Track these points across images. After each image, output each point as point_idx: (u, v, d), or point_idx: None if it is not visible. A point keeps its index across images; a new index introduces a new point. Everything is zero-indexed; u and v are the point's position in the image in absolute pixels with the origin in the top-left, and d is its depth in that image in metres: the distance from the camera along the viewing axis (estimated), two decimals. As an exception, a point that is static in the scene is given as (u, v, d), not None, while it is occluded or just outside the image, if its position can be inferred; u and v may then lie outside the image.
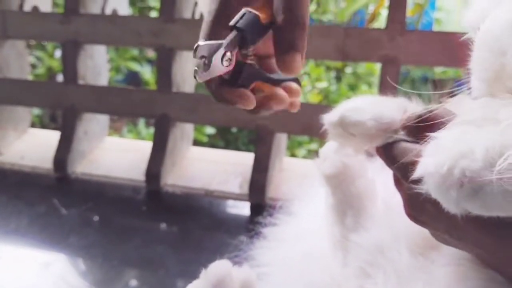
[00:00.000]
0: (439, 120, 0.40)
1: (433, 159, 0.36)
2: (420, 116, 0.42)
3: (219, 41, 0.49)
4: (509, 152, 0.33)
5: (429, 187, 0.36)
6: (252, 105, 0.51)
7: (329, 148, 0.60)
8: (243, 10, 0.50)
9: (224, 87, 0.51)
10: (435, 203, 0.37)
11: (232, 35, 0.49)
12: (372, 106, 0.48)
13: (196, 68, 0.49)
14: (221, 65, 0.49)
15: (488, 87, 0.42)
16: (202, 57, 0.48)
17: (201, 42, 0.49)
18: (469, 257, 0.42)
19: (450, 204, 0.35)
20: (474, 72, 0.43)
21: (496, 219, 0.34)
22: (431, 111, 0.41)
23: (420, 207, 0.41)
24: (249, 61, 0.52)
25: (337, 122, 0.49)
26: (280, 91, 0.54)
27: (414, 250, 0.50)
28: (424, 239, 0.46)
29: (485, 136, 0.35)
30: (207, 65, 0.48)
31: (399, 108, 0.47)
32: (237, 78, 0.51)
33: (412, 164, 0.39)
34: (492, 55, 0.41)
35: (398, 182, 0.44)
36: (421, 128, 0.41)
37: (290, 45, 0.48)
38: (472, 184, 0.34)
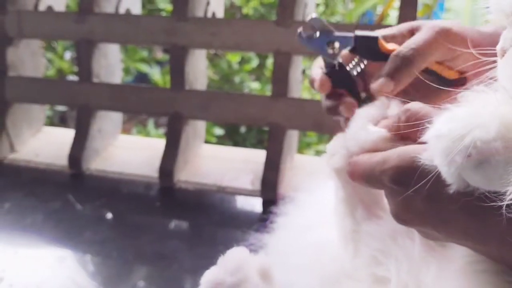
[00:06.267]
0: (426, 119, 0.40)
1: (446, 125, 0.36)
2: (409, 117, 0.44)
3: (333, 30, 0.52)
4: None
5: (435, 151, 0.37)
6: (324, 90, 0.55)
7: (337, 143, 0.60)
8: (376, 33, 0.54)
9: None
10: (424, 198, 0.38)
11: (347, 34, 0.53)
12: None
13: (301, 31, 0.51)
14: (324, 46, 0.51)
15: None
16: (311, 27, 0.51)
17: (314, 15, 0.52)
18: None
19: (451, 172, 0.36)
20: None
21: (484, 207, 0.35)
22: (416, 110, 0.44)
23: (407, 205, 0.41)
24: (354, 72, 0.55)
25: None
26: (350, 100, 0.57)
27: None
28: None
29: (501, 112, 0.35)
30: (310, 35, 0.51)
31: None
32: (333, 73, 0.53)
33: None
34: None
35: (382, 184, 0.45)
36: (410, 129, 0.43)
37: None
38: (479, 155, 0.34)
